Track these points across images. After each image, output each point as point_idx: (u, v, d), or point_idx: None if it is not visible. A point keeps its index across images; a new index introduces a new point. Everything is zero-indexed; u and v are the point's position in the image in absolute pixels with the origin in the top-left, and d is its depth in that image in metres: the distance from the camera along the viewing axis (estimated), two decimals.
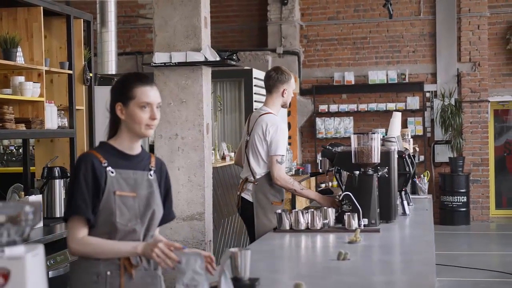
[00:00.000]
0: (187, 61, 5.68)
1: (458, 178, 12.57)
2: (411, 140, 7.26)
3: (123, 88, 2.91)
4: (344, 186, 4.82)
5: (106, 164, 2.86)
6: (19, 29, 5.46)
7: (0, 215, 1.75)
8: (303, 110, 13.34)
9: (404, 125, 12.39)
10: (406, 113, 12.69)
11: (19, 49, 5.33)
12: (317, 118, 13.26)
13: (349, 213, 4.34)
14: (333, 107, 13.20)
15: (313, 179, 11.57)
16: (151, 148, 8.07)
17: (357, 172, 4.49)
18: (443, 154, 12.94)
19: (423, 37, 13.15)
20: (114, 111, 2.91)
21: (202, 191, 5.77)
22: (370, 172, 4.50)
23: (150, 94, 2.90)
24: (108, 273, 2.84)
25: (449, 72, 12.97)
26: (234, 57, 5.90)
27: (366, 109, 13.10)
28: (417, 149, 10.92)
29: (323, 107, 13.26)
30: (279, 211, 4.47)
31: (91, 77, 6.28)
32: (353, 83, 13.22)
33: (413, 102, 12.97)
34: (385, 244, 4.10)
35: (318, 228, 4.33)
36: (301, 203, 9.57)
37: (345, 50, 13.41)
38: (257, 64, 12.52)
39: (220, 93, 10.16)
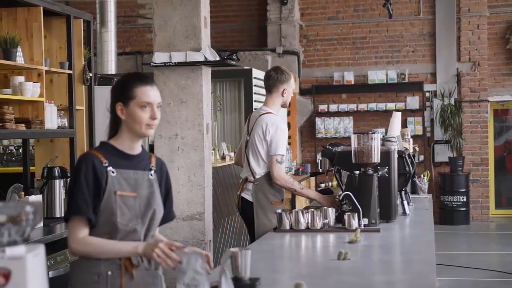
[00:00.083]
0: (187, 61, 5.68)
1: (457, 178, 12.57)
2: (411, 140, 7.26)
3: (123, 88, 2.92)
4: (344, 186, 4.82)
5: (107, 164, 2.86)
6: (19, 29, 5.46)
7: (1, 215, 1.75)
8: (302, 110, 13.34)
9: (404, 125, 12.39)
10: (406, 113, 12.69)
11: (19, 49, 5.33)
12: (316, 118, 13.26)
13: (349, 213, 4.34)
14: (333, 107, 13.20)
15: (312, 179, 11.57)
16: (151, 148, 8.07)
17: (357, 172, 4.49)
18: (442, 153, 12.94)
19: (422, 37, 13.15)
20: (115, 111, 2.91)
21: (202, 191, 5.77)
22: (370, 172, 4.50)
23: (151, 94, 2.90)
24: (109, 273, 2.85)
25: (448, 72, 12.97)
26: (234, 57, 5.90)
27: (365, 109, 13.10)
28: (417, 149, 10.92)
29: (322, 107, 13.26)
30: (279, 211, 4.47)
31: (91, 77, 6.28)
32: (352, 83, 13.22)
33: (413, 102, 12.97)
34: (385, 244, 4.10)
35: (318, 228, 4.32)
36: (300, 203, 9.57)
37: (344, 50, 13.41)
38: (256, 64, 12.52)
39: (220, 93, 10.16)
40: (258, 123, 5.09)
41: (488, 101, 12.93)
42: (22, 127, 5.26)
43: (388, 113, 12.39)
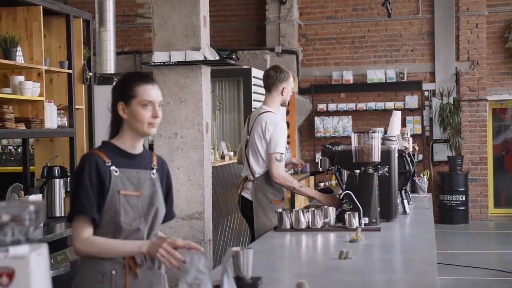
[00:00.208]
0: (187, 60, 5.68)
1: (456, 177, 12.58)
2: (411, 139, 7.26)
3: (125, 88, 2.92)
4: (344, 185, 4.82)
5: (110, 164, 2.86)
6: (18, 29, 5.46)
7: (4, 214, 1.75)
8: (301, 109, 13.34)
9: (403, 124, 12.39)
10: (405, 112, 12.70)
11: (19, 48, 5.33)
12: (315, 117, 13.27)
13: (349, 212, 4.34)
14: (332, 106, 13.21)
15: (312, 178, 11.57)
16: (151, 147, 8.07)
17: (357, 171, 4.49)
18: (441, 153, 12.95)
19: (421, 36, 13.16)
20: (116, 110, 2.91)
21: (201, 190, 5.77)
22: (371, 171, 4.50)
23: (152, 92, 2.90)
24: (113, 272, 2.85)
25: (447, 71, 12.98)
26: (233, 56, 5.90)
27: (364, 108, 13.10)
28: (417, 148, 10.92)
29: (321, 106, 13.26)
30: (280, 210, 4.47)
31: (90, 76, 6.27)
32: (351, 82, 13.23)
33: (412, 101, 12.97)
34: (386, 243, 4.10)
35: (319, 227, 4.32)
36: (300, 202, 9.58)
37: (343, 49, 13.41)
38: (255, 63, 12.51)
39: (219, 92, 10.15)
40: (257, 122, 5.10)
41: (487, 100, 12.94)
42: (22, 126, 5.26)
43: (387, 113, 12.40)
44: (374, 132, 4.52)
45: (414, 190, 6.58)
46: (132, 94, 2.88)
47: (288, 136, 11.09)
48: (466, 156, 12.87)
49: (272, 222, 4.84)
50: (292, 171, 10.39)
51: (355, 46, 13.37)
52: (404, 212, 5.16)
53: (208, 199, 5.86)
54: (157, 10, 5.80)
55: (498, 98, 13.12)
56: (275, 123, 5.04)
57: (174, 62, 5.69)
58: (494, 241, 11.51)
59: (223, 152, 8.37)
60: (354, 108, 13.13)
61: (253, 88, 10.12)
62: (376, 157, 4.49)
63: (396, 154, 4.85)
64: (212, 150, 7.48)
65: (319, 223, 4.33)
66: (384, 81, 13.08)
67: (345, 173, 4.98)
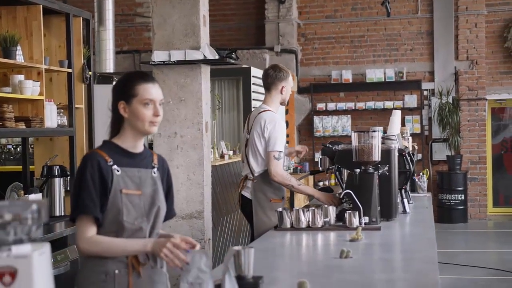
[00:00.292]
0: (186, 59, 5.68)
1: (455, 176, 12.59)
2: (410, 138, 7.26)
3: (125, 87, 2.92)
4: (344, 184, 4.82)
5: (111, 163, 2.87)
6: (18, 28, 5.45)
7: (7, 213, 1.75)
8: (300, 109, 13.33)
9: (402, 123, 12.39)
10: (404, 111, 12.68)
11: (19, 47, 5.32)
12: (314, 116, 13.27)
13: (350, 211, 4.34)
14: (331, 106, 13.21)
15: (310, 177, 11.58)
16: (150, 146, 8.06)
17: (357, 170, 4.49)
18: (440, 152, 12.95)
19: (420, 35, 13.16)
20: (117, 110, 2.92)
21: (201, 190, 5.77)
22: (371, 170, 4.50)
23: (153, 91, 2.91)
24: (116, 271, 2.85)
25: (446, 70, 12.98)
26: (233, 56, 5.90)
27: (363, 108, 13.10)
28: (416, 147, 10.92)
29: (320, 106, 13.26)
30: (280, 209, 4.47)
31: (90, 75, 6.27)
32: (350, 81, 13.23)
33: (411, 100, 12.98)
34: (386, 242, 4.10)
35: (319, 226, 4.32)
36: (299, 201, 9.58)
37: (342, 49, 13.41)
38: (254, 62, 12.51)
39: (219, 92, 10.15)
40: (257, 121, 5.10)
41: (486, 99, 12.94)
42: (21, 125, 5.25)
43: (386, 112, 12.41)
44: (374, 131, 4.52)
45: (413, 189, 6.58)
46: (133, 93, 2.89)
47: (287, 135, 11.11)
48: (465, 156, 12.87)
49: (272, 221, 4.84)
50: (291, 170, 10.41)
51: (354, 46, 13.37)
52: (404, 211, 5.17)
53: (207, 198, 5.86)
54: (157, 9, 5.79)
55: (497, 97, 13.13)
56: (274, 122, 5.04)
57: (174, 61, 5.69)
58: (493, 240, 11.52)
59: (222, 151, 8.38)
60: (353, 108, 13.13)
61: (253, 87, 10.12)
62: (377, 156, 4.49)
63: (396, 153, 4.85)
64: (212, 149, 7.48)
65: (320, 222, 4.33)
66: (383, 80, 13.08)
67: (345, 172, 4.98)
